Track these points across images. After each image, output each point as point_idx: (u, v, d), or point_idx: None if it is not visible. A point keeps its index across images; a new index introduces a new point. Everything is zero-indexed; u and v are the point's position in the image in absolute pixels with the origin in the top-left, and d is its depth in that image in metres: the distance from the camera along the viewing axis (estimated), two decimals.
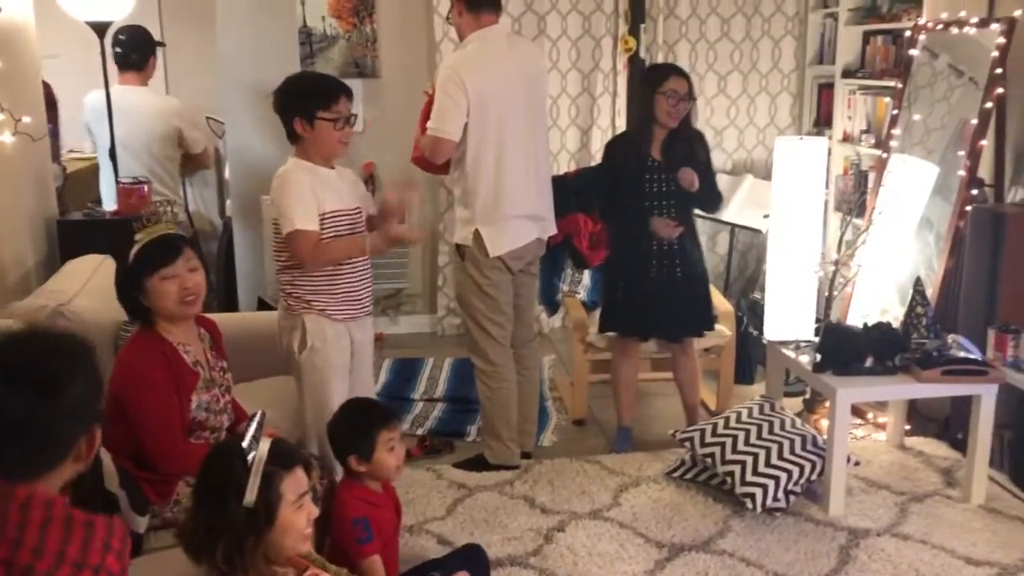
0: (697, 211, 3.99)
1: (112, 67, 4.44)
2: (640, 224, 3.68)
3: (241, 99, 5.21)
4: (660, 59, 5.29)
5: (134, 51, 4.56)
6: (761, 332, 4.70)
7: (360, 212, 2.98)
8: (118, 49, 4.51)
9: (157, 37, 6.08)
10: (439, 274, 5.47)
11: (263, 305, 5.08)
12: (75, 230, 3.73)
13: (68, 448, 1.49)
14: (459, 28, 3.45)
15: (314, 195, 2.83)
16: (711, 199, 3.84)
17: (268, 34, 5.17)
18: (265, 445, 1.87)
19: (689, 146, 3.71)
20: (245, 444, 1.85)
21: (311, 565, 2.03)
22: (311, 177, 2.85)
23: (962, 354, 3.35)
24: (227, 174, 5.77)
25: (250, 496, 1.78)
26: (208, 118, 5.96)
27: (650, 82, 3.73)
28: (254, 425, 1.95)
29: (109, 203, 4.27)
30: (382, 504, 2.55)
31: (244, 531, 1.78)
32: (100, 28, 3.99)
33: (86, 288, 3.14)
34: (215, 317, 2.93)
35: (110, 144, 4.09)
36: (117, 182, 3.99)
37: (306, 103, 2.83)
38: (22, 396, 1.41)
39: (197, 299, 2.59)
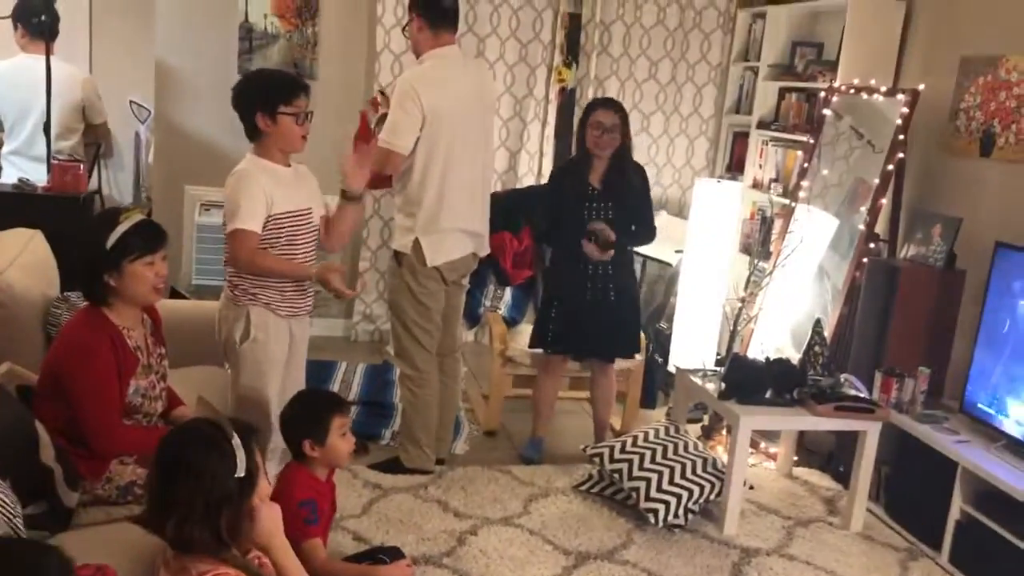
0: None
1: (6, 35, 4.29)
2: (578, 247, 3.85)
3: (175, 86, 5.18)
4: (591, 92, 5.53)
5: (50, 19, 4.43)
6: (666, 360, 4.96)
7: (309, 212, 3.04)
8: (35, 19, 4.39)
9: (86, 13, 5.99)
10: (358, 280, 5.51)
11: (175, 295, 5.03)
12: (4, 202, 3.66)
13: None
14: (416, 43, 3.55)
15: (266, 197, 2.88)
16: (644, 233, 4.01)
17: (208, 26, 5.17)
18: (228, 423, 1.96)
19: (626, 177, 3.89)
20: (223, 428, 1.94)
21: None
22: (267, 177, 2.90)
23: (852, 392, 3.65)
24: (149, 159, 5.70)
25: (241, 467, 1.90)
26: (131, 102, 5.89)
27: (583, 114, 3.96)
28: (213, 411, 2.04)
29: (9, 176, 4.15)
30: (324, 492, 2.63)
31: (239, 499, 1.90)
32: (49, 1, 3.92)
33: (16, 263, 3.09)
34: None
35: (46, 117, 4.01)
36: (51, 158, 3.92)
37: (268, 98, 2.88)
38: None
39: (163, 288, 2.64)
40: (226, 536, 1.90)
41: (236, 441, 1.92)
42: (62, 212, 3.61)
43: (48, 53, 4.04)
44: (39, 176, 3.91)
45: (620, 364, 4.34)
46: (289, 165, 3.01)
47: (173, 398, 2.83)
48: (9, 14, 4.38)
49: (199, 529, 1.88)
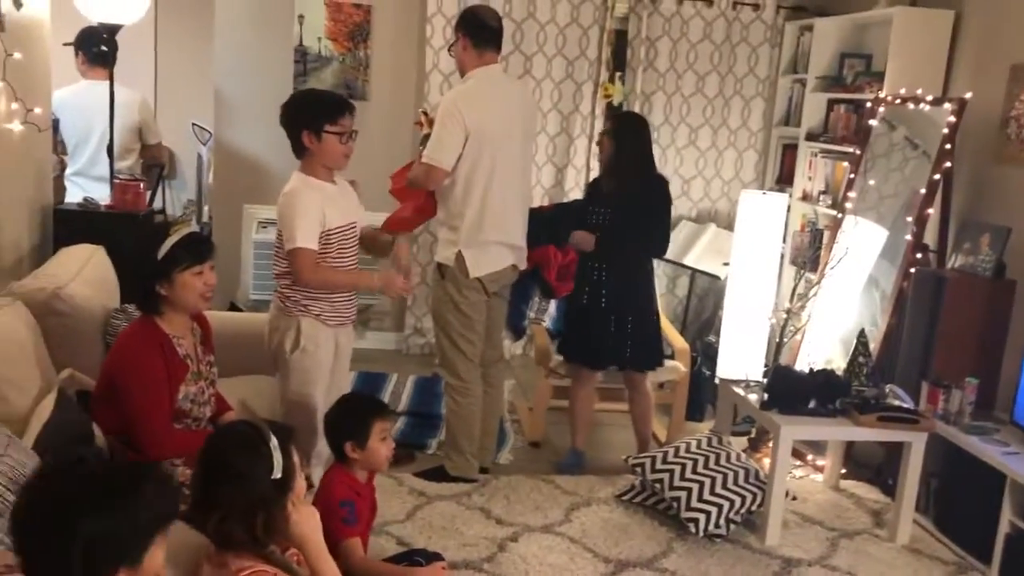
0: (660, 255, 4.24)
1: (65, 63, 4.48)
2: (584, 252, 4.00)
3: (233, 110, 5.38)
4: (637, 108, 5.58)
5: (110, 48, 4.63)
6: (714, 373, 4.96)
7: (354, 226, 3.16)
8: (102, 48, 4.61)
9: (151, 42, 6.27)
10: (409, 294, 5.64)
11: (233, 309, 5.21)
12: (70, 219, 3.86)
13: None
14: (461, 63, 3.67)
15: (321, 214, 3.00)
16: (648, 244, 4.00)
17: (264, 50, 5.37)
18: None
19: (637, 189, 3.92)
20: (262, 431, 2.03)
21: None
22: (318, 195, 3.02)
23: (897, 403, 3.61)
24: (209, 180, 5.92)
25: (278, 469, 1.98)
26: (194, 125, 6.13)
27: None
28: (253, 416, 2.14)
29: (74, 196, 4.36)
30: (364, 495, 2.71)
31: (275, 500, 1.98)
32: (111, 30, 4.14)
33: (80, 275, 3.27)
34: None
35: (109, 140, 4.23)
36: (113, 177, 4.13)
37: (314, 116, 3.01)
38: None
39: (211, 296, 2.77)
40: (261, 534, 1.98)
41: (274, 443, 2.00)
42: (123, 229, 3.79)
43: (111, 79, 4.24)
44: (101, 196, 4.12)
45: (665, 376, 4.37)
46: (334, 181, 3.12)
47: (221, 403, 2.95)
48: (72, 42, 4.62)
49: (238, 527, 1.97)
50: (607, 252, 3.95)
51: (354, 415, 2.72)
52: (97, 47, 4.45)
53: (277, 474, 1.99)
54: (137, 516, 1.49)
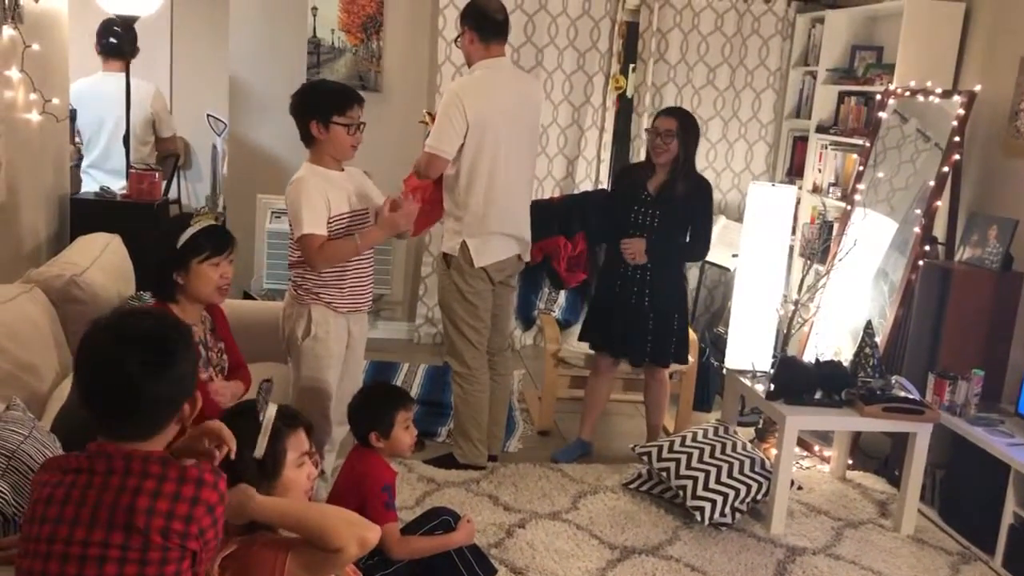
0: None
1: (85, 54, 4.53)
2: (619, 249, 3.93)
3: (247, 101, 5.44)
4: (648, 100, 5.60)
5: (127, 40, 4.65)
6: (722, 364, 4.99)
7: (365, 213, 3.21)
8: (112, 39, 4.66)
9: (167, 33, 6.33)
10: (420, 284, 5.71)
11: (247, 298, 5.28)
12: (87, 208, 3.93)
13: (175, 412, 1.70)
14: (468, 55, 3.70)
15: (325, 200, 3.05)
16: (694, 249, 4.03)
17: (278, 41, 5.42)
18: (273, 408, 2.07)
19: (680, 188, 3.89)
20: (256, 405, 2.05)
21: None
22: (324, 182, 3.07)
23: (903, 394, 3.64)
24: (224, 170, 5.98)
25: (259, 450, 1.97)
26: (209, 116, 6.19)
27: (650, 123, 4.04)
28: (263, 391, 2.15)
29: (90, 186, 4.40)
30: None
31: (252, 482, 1.94)
32: (127, 21, 4.19)
33: (97, 263, 3.34)
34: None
35: (125, 130, 4.29)
36: (129, 167, 4.19)
37: (324, 107, 3.05)
38: (145, 365, 1.62)
39: (228, 288, 2.82)
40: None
41: (265, 421, 1.99)
42: (139, 218, 3.87)
43: (127, 70, 4.30)
44: (115, 189, 4.19)
45: (673, 367, 4.40)
46: (342, 170, 3.17)
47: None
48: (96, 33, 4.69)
49: None
50: (656, 252, 3.89)
51: (378, 405, 2.79)
52: (106, 39, 4.51)
53: (256, 452, 1.97)
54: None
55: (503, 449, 4.16)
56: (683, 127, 3.86)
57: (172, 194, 5.42)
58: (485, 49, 3.64)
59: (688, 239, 3.97)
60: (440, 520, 2.80)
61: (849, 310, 4.50)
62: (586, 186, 5.63)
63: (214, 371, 2.89)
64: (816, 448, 4.38)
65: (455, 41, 3.80)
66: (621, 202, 4.02)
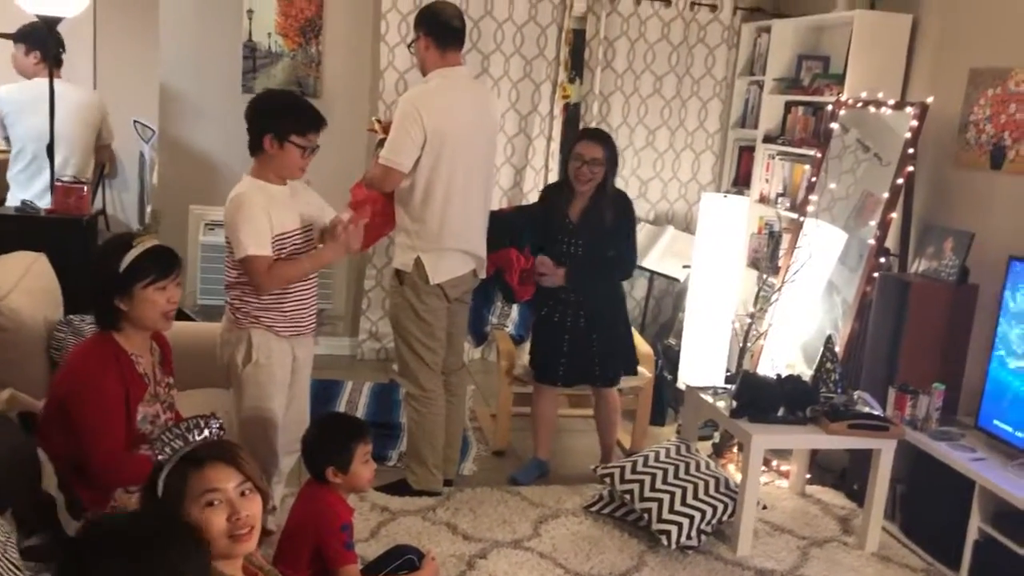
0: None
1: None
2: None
3: (179, 106, 5.17)
4: (595, 107, 5.51)
5: (60, 46, 4.45)
6: (675, 377, 4.91)
7: (310, 229, 3.03)
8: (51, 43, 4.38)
9: (90, 36, 5.99)
10: (364, 298, 5.50)
11: (181, 316, 5.00)
12: (7, 225, 3.63)
13: None
14: (422, 62, 3.53)
15: (267, 217, 2.85)
16: (620, 267, 3.95)
17: (212, 46, 5.17)
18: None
19: (602, 213, 3.82)
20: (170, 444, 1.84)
21: (259, 573, 2.05)
22: (265, 198, 2.87)
23: (866, 409, 3.59)
24: (154, 179, 5.68)
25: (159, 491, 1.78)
26: (136, 122, 5.87)
27: (573, 141, 3.92)
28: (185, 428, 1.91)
29: (17, 198, 4.12)
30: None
31: None
32: (51, 23, 3.91)
33: (20, 286, 3.07)
34: None
35: (50, 139, 3.99)
36: (54, 180, 3.90)
37: (284, 124, 2.86)
38: None
39: (173, 313, 2.61)
40: None
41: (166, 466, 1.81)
42: (66, 234, 3.59)
43: (51, 75, 4.02)
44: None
45: (629, 382, 4.30)
46: (284, 183, 2.98)
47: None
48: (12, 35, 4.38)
49: None
50: (582, 281, 3.83)
51: (335, 439, 2.61)
52: (42, 41, 4.22)
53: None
54: None
55: (458, 472, 4.00)
56: (610, 155, 3.80)
57: (97, 204, 5.11)
58: (441, 57, 3.47)
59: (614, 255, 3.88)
60: (404, 559, 2.64)
61: (800, 324, 4.46)
62: (534, 196, 5.48)
63: (161, 407, 2.68)
64: (773, 463, 4.32)
65: (409, 47, 3.62)
66: (547, 228, 3.92)
